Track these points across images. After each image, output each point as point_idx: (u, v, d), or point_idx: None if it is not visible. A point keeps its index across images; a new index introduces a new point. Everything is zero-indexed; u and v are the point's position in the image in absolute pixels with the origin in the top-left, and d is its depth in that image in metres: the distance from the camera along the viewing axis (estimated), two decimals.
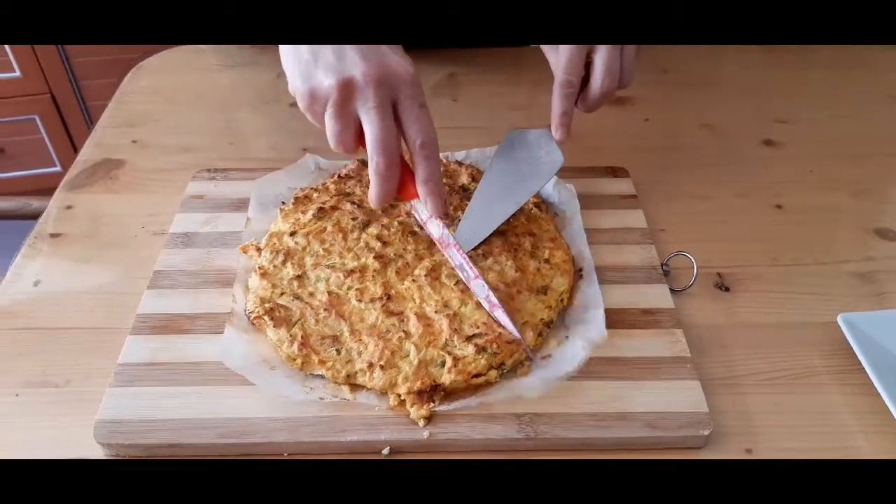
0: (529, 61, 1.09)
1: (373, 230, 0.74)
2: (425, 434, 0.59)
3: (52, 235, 0.79)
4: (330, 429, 0.59)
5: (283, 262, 0.71)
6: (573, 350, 0.65)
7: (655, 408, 0.61)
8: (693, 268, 0.73)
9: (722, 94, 1.06)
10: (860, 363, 0.63)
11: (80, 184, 0.86)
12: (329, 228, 0.74)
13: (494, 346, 0.63)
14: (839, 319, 0.66)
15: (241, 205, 0.80)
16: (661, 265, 0.74)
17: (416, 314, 0.66)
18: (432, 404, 0.61)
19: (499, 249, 0.72)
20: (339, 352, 0.64)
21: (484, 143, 0.87)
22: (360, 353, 0.63)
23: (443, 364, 0.62)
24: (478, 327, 0.65)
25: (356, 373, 0.62)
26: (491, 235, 0.73)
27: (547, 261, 0.72)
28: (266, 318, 0.66)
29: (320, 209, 0.76)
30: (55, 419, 0.62)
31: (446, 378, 0.61)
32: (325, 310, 0.67)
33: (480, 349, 0.63)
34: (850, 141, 0.96)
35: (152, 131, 0.95)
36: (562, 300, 0.70)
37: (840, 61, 1.11)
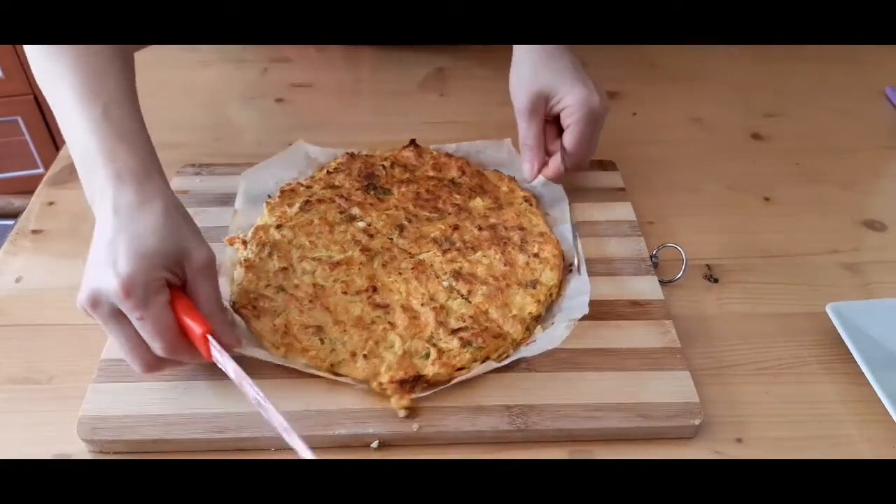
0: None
1: (360, 223, 0.74)
2: (414, 427, 0.58)
3: (34, 232, 0.78)
4: (318, 422, 0.59)
5: (270, 255, 0.70)
6: (558, 331, 0.65)
7: (646, 398, 0.60)
8: (682, 259, 0.73)
9: (710, 88, 1.06)
10: (849, 352, 0.63)
11: (63, 180, 0.85)
12: (315, 221, 0.74)
13: (480, 339, 0.63)
14: (828, 309, 0.66)
15: (226, 200, 0.79)
16: (650, 257, 0.74)
17: (402, 306, 0.66)
18: (413, 395, 0.60)
19: (488, 243, 0.72)
20: (322, 341, 0.63)
21: (471, 138, 0.87)
22: (343, 343, 0.63)
23: (427, 356, 0.62)
24: (464, 321, 0.65)
25: (340, 362, 0.62)
26: (481, 229, 0.74)
27: (536, 255, 0.71)
28: (250, 308, 0.65)
29: (307, 202, 0.76)
30: (38, 416, 0.61)
31: (429, 370, 0.61)
32: (309, 301, 0.66)
33: (466, 343, 0.62)
34: (837, 134, 0.96)
35: None
36: (551, 294, 0.69)
37: (827, 56, 1.11)
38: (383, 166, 0.81)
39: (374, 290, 0.67)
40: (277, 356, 0.63)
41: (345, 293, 0.67)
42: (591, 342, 0.65)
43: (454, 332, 0.64)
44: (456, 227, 0.74)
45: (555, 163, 0.77)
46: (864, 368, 0.61)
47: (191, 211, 0.76)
